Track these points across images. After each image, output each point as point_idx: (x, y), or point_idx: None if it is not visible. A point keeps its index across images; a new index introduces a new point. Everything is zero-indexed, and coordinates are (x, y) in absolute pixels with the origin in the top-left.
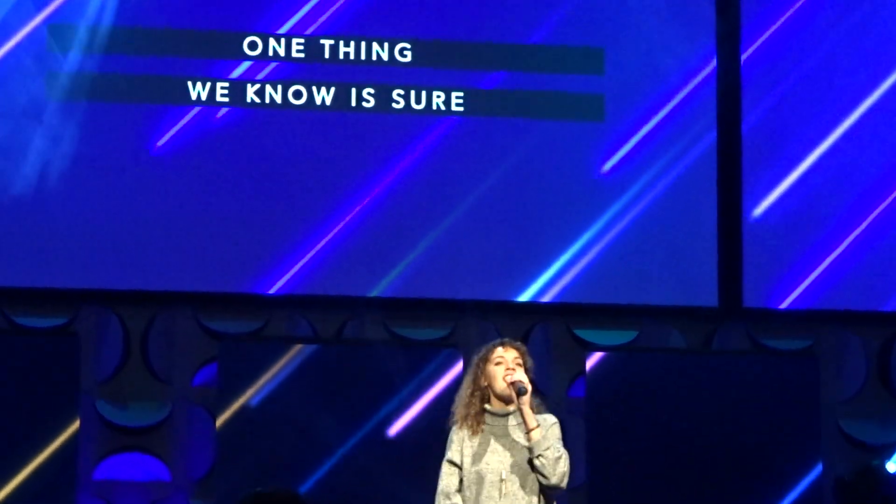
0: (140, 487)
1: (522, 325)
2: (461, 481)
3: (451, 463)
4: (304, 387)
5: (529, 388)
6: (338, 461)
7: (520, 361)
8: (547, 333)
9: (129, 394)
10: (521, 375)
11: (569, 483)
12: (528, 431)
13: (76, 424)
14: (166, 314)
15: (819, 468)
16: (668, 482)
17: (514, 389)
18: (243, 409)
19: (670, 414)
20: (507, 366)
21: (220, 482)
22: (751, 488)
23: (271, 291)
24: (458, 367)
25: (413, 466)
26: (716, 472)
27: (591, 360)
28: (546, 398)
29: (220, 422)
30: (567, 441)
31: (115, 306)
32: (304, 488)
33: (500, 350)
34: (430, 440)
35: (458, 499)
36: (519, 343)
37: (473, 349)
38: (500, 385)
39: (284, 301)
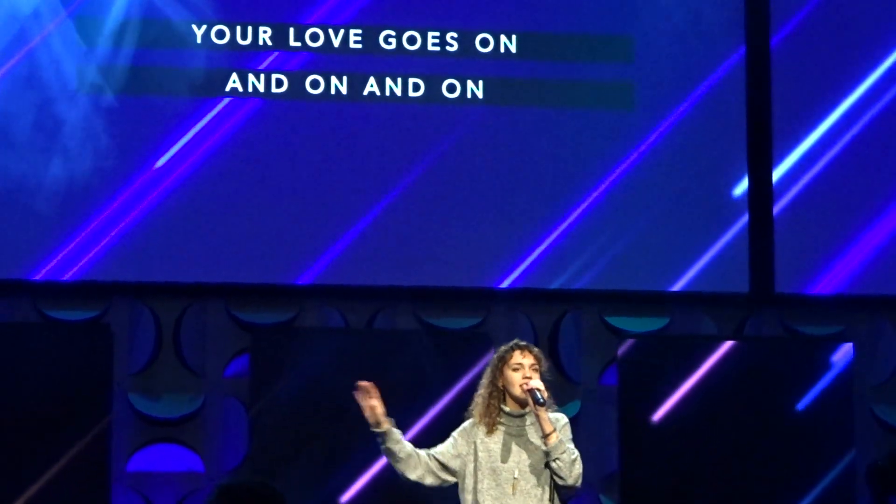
0: (174, 479)
1: (554, 313)
2: (445, 466)
3: (453, 443)
4: (337, 376)
5: (546, 397)
6: (370, 451)
7: (536, 367)
8: (578, 321)
9: (162, 386)
10: (538, 383)
11: (599, 472)
12: (544, 435)
13: (109, 417)
14: (198, 306)
15: (852, 453)
16: (700, 469)
17: (531, 397)
18: (276, 400)
19: (701, 401)
20: (524, 373)
21: (253, 473)
22: (784, 473)
23: (302, 282)
24: (490, 355)
25: None
26: (749, 458)
27: (623, 348)
28: (578, 386)
29: (252, 412)
30: (599, 429)
31: (147, 299)
32: (336, 478)
33: (517, 355)
34: None
35: (425, 457)
36: (536, 348)
37: (505, 338)
38: (517, 391)
39: (315, 291)
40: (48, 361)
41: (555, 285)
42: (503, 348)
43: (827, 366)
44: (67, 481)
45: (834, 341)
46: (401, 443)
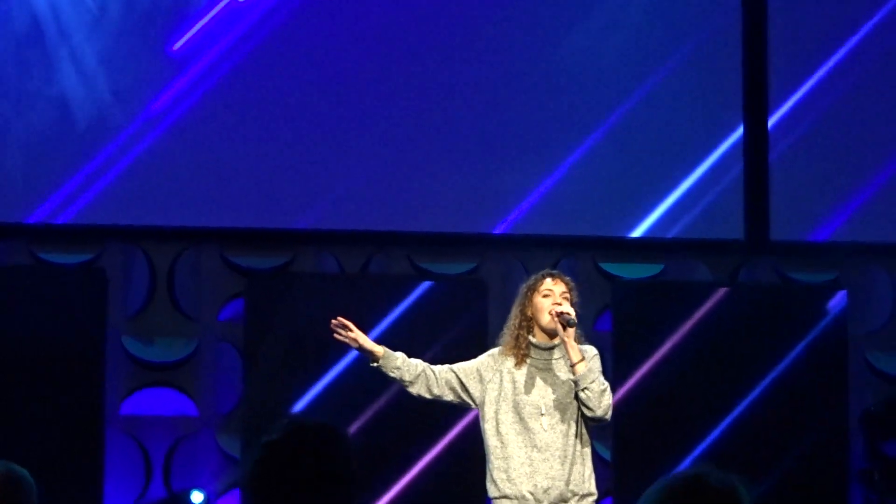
0: (167, 422)
1: (548, 259)
2: (465, 386)
3: (478, 365)
4: (331, 321)
5: (576, 320)
6: (362, 396)
7: (567, 296)
8: (573, 267)
9: (156, 329)
10: (567, 308)
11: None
12: (572, 365)
13: (103, 360)
14: (192, 250)
15: (846, 401)
16: (694, 415)
17: (560, 321)
18: (269, 344)
19: (696, 347)
20: (554, 299)
21: (247, 417)
22: (777, 421)
23: (297, 227)
24: (484, 301)
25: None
26: (742, 404)
27: (617, 294)
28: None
29: (246, 357)
30: None
31: (142, 242)
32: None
33: (548, 282)
34: None
35: (443, 372)
36: (567, 277)
37: (499, 283)
38: (546, 318)
39: (310, 236)
40: (42, 305)
41: (549, 231)
42: (534, 276)
43: (821, 313)
44: (61, 424)
45: (828, 288)
46: (401, 368)
